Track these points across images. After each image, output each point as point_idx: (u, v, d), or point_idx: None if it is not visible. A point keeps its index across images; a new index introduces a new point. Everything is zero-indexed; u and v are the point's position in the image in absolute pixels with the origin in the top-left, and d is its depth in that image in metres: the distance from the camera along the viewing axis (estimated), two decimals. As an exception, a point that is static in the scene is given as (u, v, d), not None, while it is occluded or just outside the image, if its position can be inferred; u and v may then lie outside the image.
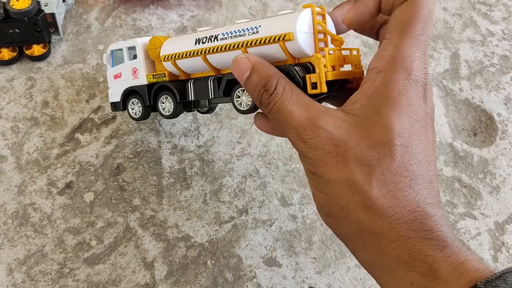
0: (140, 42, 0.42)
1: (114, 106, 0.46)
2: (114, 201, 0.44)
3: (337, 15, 0.33)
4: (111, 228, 0.43)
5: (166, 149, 0.48)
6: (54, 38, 0.55)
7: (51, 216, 0.43)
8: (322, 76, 0.30)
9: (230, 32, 0.34)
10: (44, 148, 0.47)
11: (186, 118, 0.50)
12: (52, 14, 0.52)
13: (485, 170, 0.49)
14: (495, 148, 0.50)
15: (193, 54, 0.36)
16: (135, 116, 0.45)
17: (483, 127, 0.52)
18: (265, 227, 0.44)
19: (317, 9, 0.32)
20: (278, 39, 0.31)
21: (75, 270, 0.40)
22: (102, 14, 0.58)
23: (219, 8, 0.60)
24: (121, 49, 0.44)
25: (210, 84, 0.37)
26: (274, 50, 0.32)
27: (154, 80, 0.42)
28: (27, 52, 0.53)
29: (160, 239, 0.42)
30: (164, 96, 0.42)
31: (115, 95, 0.46)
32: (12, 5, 0.49)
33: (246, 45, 0.33)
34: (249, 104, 0.35)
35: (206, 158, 0.48)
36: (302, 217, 0.44)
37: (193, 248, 0.42)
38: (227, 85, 0.36)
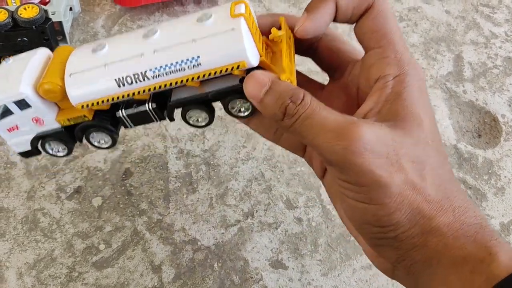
0: (28, 92, 0.31)
1: (25, 154, 0.36)
2: (121, 206, 0.45)
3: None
4: (119, 232, 0.43)
5: (172, 153, 0.48)
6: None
7: (60, 221, 0.44)
8: (293, 80, 0.28)
9: (161, 67, 0.28)
10: (53, 154, 0.48)
11: (191, 123, 0.51)
12: (60, 23, 0.53)
13: (489, 171, 0.49)
14: (499, 149, 0.50)
15: (122, 97, 0.30)
16: (60, 155, 0.36)
17: (487, 128, 0.52)
18: (270, 230, 0.44)
19: (241, 8, 0.27)
20: (232, 69, 0.27)
21: (84, 274, 0.41)
22: (108, 21, 0.59)
23: (223, 14, 0.61)
24: (3, 105, 0.32)
25: (151, 113, 0.32)
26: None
27: (72, 123, 0.33)
28: (35, 60, 0.53)
29: (167, 243, 0.43)
30: (94, 133, 0.34)
31: (22, 145, 0.35)
32: (20, 14, 0.50)
33: (193, 79, 0.28)
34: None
35: (212, 162, 0.48)
36: (307, 219, 0.45)
37: (200, 251, 0.43)
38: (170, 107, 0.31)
